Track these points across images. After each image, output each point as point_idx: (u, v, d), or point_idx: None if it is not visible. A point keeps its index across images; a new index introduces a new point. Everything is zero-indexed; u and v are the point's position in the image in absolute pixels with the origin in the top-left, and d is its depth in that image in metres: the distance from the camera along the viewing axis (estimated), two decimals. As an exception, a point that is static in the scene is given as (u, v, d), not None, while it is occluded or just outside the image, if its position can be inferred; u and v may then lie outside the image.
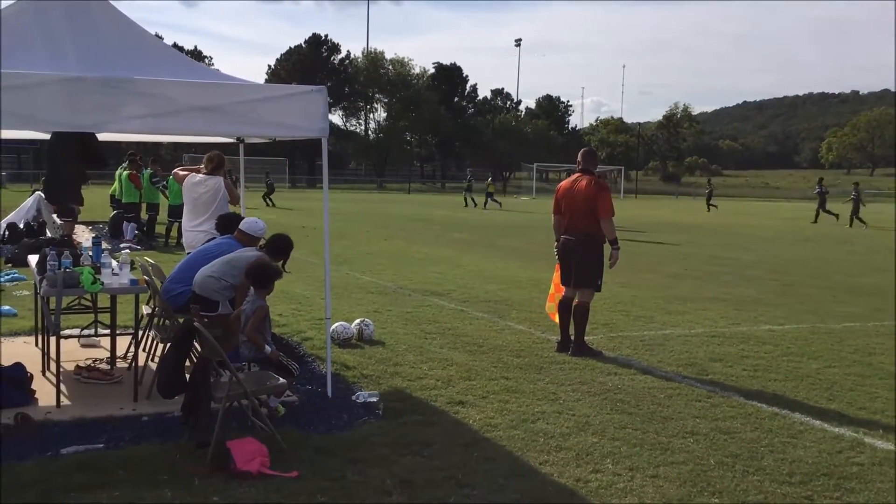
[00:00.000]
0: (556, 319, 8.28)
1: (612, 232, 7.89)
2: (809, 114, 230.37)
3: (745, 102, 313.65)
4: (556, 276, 8.34)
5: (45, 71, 5.17)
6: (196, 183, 8.01)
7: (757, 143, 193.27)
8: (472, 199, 41.93)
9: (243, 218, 6.80)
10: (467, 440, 5.34)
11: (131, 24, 6.10)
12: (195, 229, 7.90)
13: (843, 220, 32.91)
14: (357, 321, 8.30)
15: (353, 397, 6.18)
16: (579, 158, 8.25)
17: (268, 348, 5.57)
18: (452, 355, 7.71)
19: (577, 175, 8.15)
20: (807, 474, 4.94)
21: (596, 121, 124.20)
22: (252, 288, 5.72)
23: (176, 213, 16.41)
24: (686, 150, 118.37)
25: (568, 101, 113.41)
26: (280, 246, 6.40)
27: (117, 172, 19.33)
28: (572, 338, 7.96)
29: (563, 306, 8.11)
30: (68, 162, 9.30)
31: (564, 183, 8.27)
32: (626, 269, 13.22)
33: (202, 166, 8.17)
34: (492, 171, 72.41)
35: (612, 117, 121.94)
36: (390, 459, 4.90)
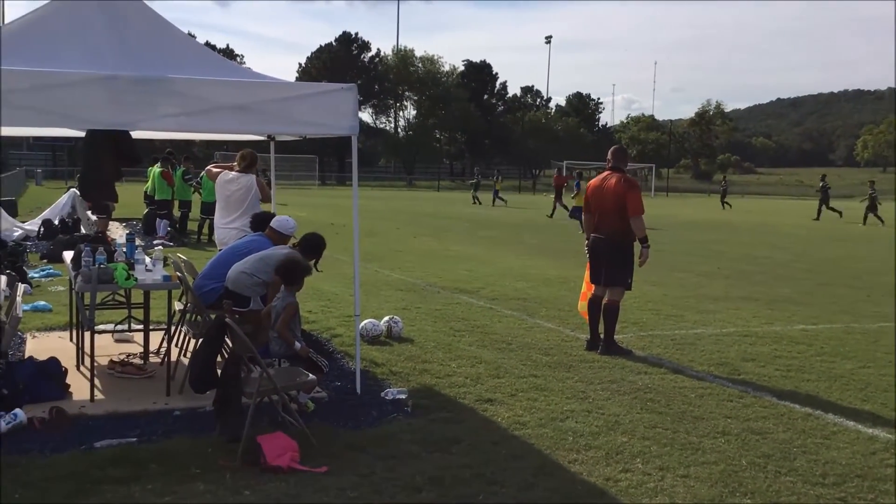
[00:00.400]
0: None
1: (642, 230, 7.83)
2: (844, 111, 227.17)
3: (778, 99, 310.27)
4: (588, 274, 8.29)
5: (81, 70, 5.24)
6: (229, 180, 8.08)
7: (791, 141, 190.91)
8: (478, 199, 41.63)
9: (274, 216, 6.85)
10: (496, 438, 5.34)
11: (165, 24, 6.16)
12: (227, 226, 7.99)
13: (850, 217, 32.43)
14: (386, 318, 8.33)
15: (382, 394, 6.20)
16: (609, 156, 8.19)
17: (298, 344, 5.60)
18: (481, 353, 7.71)
19: (606, 173, 8.10)
20: (840, 476, 4.88)
21: (627, 118, 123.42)
22: (283, 284, 5.76)
23: (208, 209, 16.58)
24: (719, 147, 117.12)
25: (598, 99, 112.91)
26: (313, 244, 6.44)
27: (150, 170, 19.59)
28: (602, 336, 7.92)
29: (593, 304, 8.07)
30: (103, 159, 9.42)
31: (594, 181, 8.23)
32: (656, 267, 13.13)
33: (235, 164, 8.25)
34: (515, 168, 72.15)
35: (643, 114, 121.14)
36: (419, 456, 4.92)
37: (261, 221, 6.89)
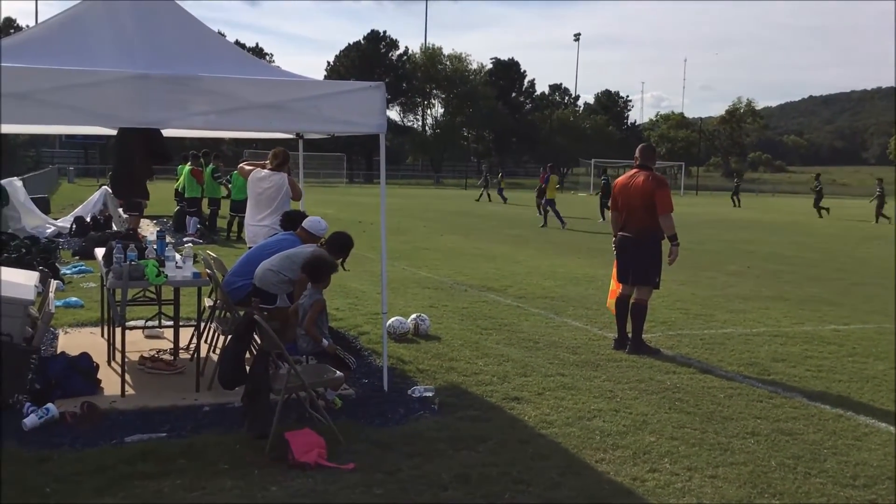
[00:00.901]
0: (617, 316, 8.18)
1: (671, 228, 7.77)
2: (878, 109, 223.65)
3: (810, 97, 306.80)
4: (615, 271, 8.25)
5: (113, 69, 5.31)
6: (260, 178, 8.13)
7: (823, 139, 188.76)
8: (489, 195, 41.97)
9: (307, 216, 6.89)
10: (523, 436, 5.33)
11: (196, 22, 6.23)
12: (258, 224, 8.04)
13: (857, 216, 32.19)
14: (413, 316, 8.34)
15: (409, 392, 6.21)
16: (637, 154, 8.14)
17: (325, 342, 5.63)
18: (508, 351, 7.70)
19: (634, 171, 8.05)
20: (871, 477, 4.81)
21: (656, 116, 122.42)
22: (309, 282, 5.80)
23: (238, 207, 16.71)
24: (749, 145, 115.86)
25: (627, 97, 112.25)
26: (340, 243, 6.47)
27: (181, 168, 19.78)
28: (629, 335, 7.88)
29: (621, 303, 8.03)
30: (134, 157, 9.53)
31: (622, 179, 8.18)
32: (685, 266, 13.03)
33: (267, 162, 8.29)
34: (542, 167, 71.69)
35: (672, 112, 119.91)
36: (446, 454, 4.92)
37: (292, 220, 6.93)
